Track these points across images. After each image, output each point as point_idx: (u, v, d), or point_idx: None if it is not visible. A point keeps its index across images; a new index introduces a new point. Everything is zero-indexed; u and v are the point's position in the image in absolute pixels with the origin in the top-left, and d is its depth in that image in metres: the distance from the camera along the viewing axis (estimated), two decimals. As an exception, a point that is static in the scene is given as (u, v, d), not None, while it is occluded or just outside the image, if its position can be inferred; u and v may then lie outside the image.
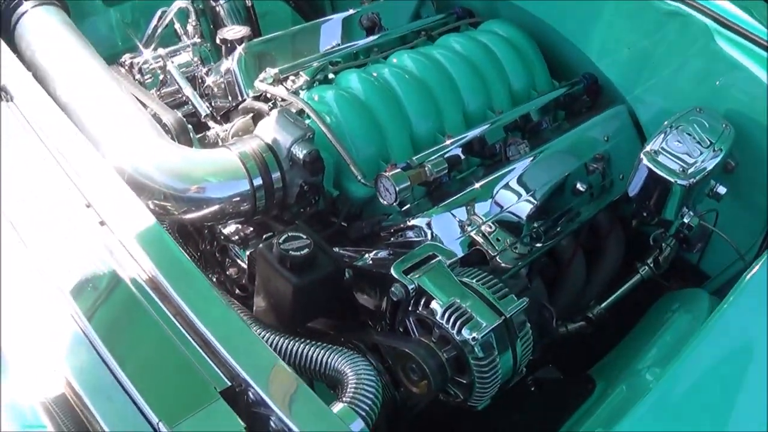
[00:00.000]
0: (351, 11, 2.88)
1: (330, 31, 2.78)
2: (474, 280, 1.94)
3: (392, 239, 2.20)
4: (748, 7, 2.39)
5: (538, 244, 2.33)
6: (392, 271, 1.94)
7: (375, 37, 2.73)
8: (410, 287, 1.91)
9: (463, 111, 2.49)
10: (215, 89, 2.60)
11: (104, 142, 2.15)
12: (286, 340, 1.90)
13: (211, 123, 2.49)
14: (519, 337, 1.91)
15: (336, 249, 2.17)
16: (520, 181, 2.35)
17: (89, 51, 2.43)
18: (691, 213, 2.26)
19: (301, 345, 1.88)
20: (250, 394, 1.48)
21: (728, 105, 2.37)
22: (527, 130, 2.55)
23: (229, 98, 2.55)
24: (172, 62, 2.62)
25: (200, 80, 2.67)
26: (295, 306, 1.98)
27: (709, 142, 2.24)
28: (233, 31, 2.63)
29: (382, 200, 2.17)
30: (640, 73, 2.55)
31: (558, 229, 2.40)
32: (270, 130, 2.21)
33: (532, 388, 2.44)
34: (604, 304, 2.48)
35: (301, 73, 2.42)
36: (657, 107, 2.52)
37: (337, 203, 2.31)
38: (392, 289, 1.93)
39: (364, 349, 2.02)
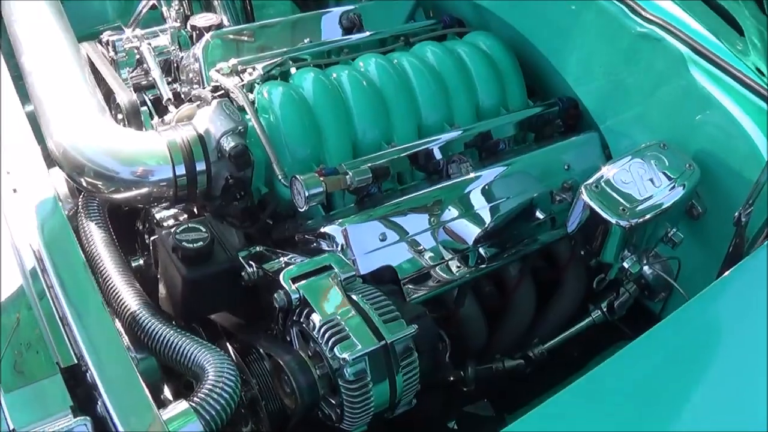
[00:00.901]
0: (340, 9, 2.81)
1: (310, 28, 2.72)
2: (364, 299, 1.87)
3: (306, 245, 2.13)
4: (722, 31, 2.20)
5: (482, 265, 2.23)
6: (281, 278, 1.89)
7: (349, 37, 2.65)
8: (294, 296, 1.85)
9: (419, 123, 2.39)
10: (185, 75, 2.57)
11: (48, 114, 2.17)
12: (162, 327, 1.89)
13: (171, 108, 2.47)
14: (401, 367, 1.82)
15: (258, 248, 2.12)
16: (467, 199, 2.25)
17: (62, 25, 2.44)
18: (633, 258, 2.10)
19: (174, 335, 1.87)
20: (88, 376, 1.53)
21: (701, 144, 2.20)
22: (483, 149, 2.43)
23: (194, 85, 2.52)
24: (149, 44, 2.60)
25: (176, 65, 2.64)
26: (186, 297, 1.98)
27: (666, 181, 2.08)
28: (205, 18, 2.62)
29: (295, 203, 2.10)
30: (614, 101, 2.40)
31: (505, 255, 2.29)
32: (205, 120, 2.18)
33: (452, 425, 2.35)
34: (547, 344, 2.37)
35: (257, 66, 2.37)
36: (630, 140, 2.35)
37: (265, 201, 2.25)
38: (275, 295, 1.88)
39: (263, 354, 1.96)
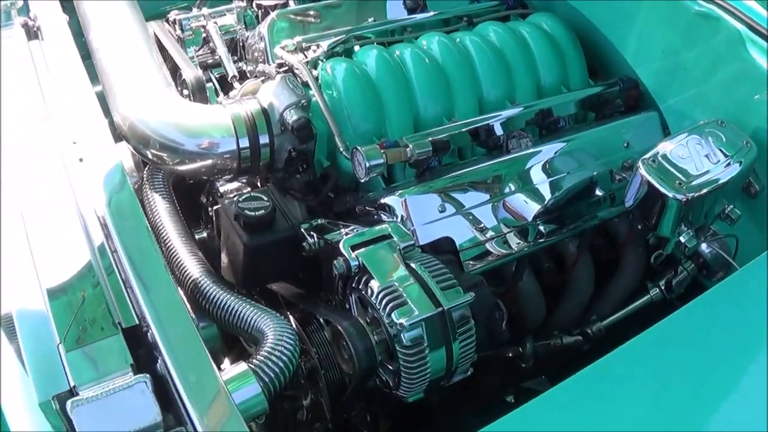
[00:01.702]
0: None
1: (376, 8, 2.75)
2: (422, 267, 1.89)
3: (367, 216, 2.17)
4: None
5: (540, 240, 2.25)
6: (340, 245, 1.92)
7: (413, 17, 2.68)
8: (353, 264, 1.89)
9: (480, 99, 2.41)
10: (251, 54, 2.62)
11: (115, 89, 2.25)
12: (223, 294, 1.92)
13: (236, 85, 2.52)
14: (458, 334, 1.84)
15: (320, 220, 2.16)
16: (526, 174, 2.27)
17: (129, 3, 2.51)
18: (690, 233, 2.10)
19: (234, 301, 1.89)
20: (149, 335, 1.54)
21: (759, 122, 2.19)
22: (543, 126, 2.44)
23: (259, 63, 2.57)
24: (215, 23, 2.66)
25: (241, 44, 2.70)
26: (246, 265, 2.01)
27: (722, 157, 2.08)
28: (270, -4, 2.66)
29: (356, 174, 2.14)
30: (673, 81, 2.39)
31: (564, 231, 2.30)
32: (269, 94, 2.22)
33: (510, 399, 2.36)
34: (605, 322, 2.37)
35: (321, 43, 2.41)
36: (690, 120, 2.34)
37: (327, 174, 2.29)
38: (335, 262, 1.91)
39: (322, 323, 2.00)
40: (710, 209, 2.13)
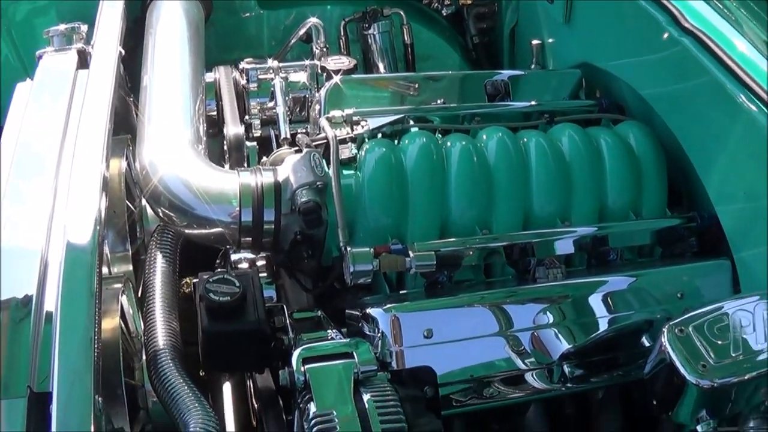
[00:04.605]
0: (508, 72, 2.60)
1: (474, 87, 2.54)
2: (373, 400, 1.66)
3: (352, 322, 1.96)
4: None
5: (565, 386, 1.98)
6: (293, 354, 1.73)
7: (490, 105, 2.45)
8: (298, 378, 1.69)
9: (528, 213, 2.14)
10: (311, 117, 2.47)
11: (143, 135, 2.20)
12: (170, 374, 1.82)
13: (283, 149, 2.37)
14: (390, 490, 1.62)
15: (318, 313, 2.02)
16: (555, 308, 1.98)
17: (193, 47, 2.45)
18: (712, 423, 1.74)
19: (177, 384, 1.79)
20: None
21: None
22: (594, 256, 2.14)
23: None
24: (284, 78, 2.52)
25: (309, 103, 2.55)
26: (204, 349, 1.89)
27: (776, 337, 1.72)
28: (337, 60, 2.49)
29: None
30: (752, 230, 2.01)
31: (592, 379, 2.02)
32: (288, 168, 2.06)
33: None
34: None
35: (368, 120, 2.22)
36: (761, 281, 1.97)
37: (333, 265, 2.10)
38: (280, 371, 1.74)
39: None
40: (750, 397, 1.76)
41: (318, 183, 2.01)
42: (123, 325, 1.96)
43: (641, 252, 2.23)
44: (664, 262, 2.17)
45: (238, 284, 1.85)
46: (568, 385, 1.98)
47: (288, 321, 1.93)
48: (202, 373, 2.04)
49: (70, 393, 1.47)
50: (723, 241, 2.14)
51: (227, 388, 2.24)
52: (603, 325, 1.99)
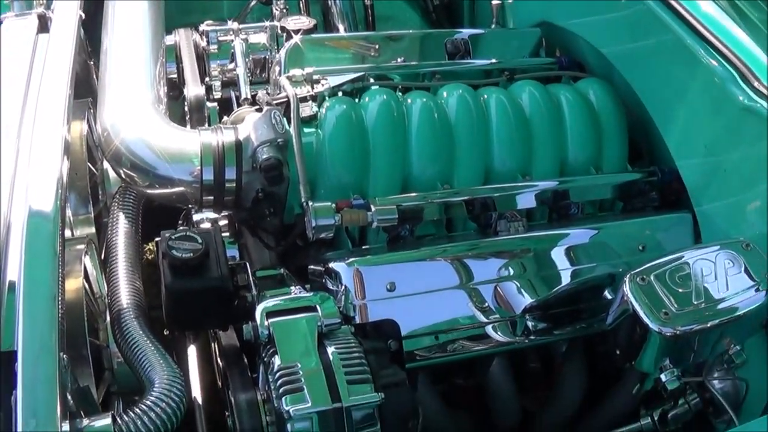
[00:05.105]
0: (469, 31, 2.60)
1: (432, 47, 2.54)
2: (337, 353, 1.67)
3: (315, 278, 1.97)
4: None
5: (528, 338, 2.00)
6: (257, 308, 1.74)
7: (454, 62, 2.45)
8: (262, 332, 1.70)
9: (489, 168, 2.14)
10: (272, 77, 2.46)
11: (103, 98, 2.18)
12: (135, 332, 1.83)
13: (244, 108, 2.36)
14: (355, 437, 1.63)
15: (281, 271, 2.04)
16: (515, 261, 2.00)
17: (153, 11, 2.44)
18: (675, 371, 1.77)
19: (142, 342, 1.80)
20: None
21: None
22: (555, 210, 2.15)
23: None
24: (244, 40, 2.50)
25: (269, 64, 2.53)
26: (168, 307, 1.89)
27: (733, 289, 1.73)
28: (297, 21, 2.48)
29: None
30: (711, 183, 2.03)
31: (555, 332, 2.03)
32: (249, 126, 2.05)
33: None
34: None
35: (327, 78, 2.20)
36: (722, 233, 2.00)
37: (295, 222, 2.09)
38: (244, 326, 1.75)
39: None
40: (714, 346, 1.79)
41: (279, 140, 1.99)
42: (87, 286, 1.96)
43: (602, 206, 2.25)
44: (626, 216, 2.18)
45: (200, 241, 1.84)
46: (531, 337, 2.00)
47: (251, 279, 1.93)
48: (166, 332, 2.03)
49: (35, 351, 1.47)
50: (684, 195, 2.16)
51: (192, 350, 2.25)
52: (565, 278, 2.01)
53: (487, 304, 1.95)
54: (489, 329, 1.96)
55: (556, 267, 2.01)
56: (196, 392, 2.26)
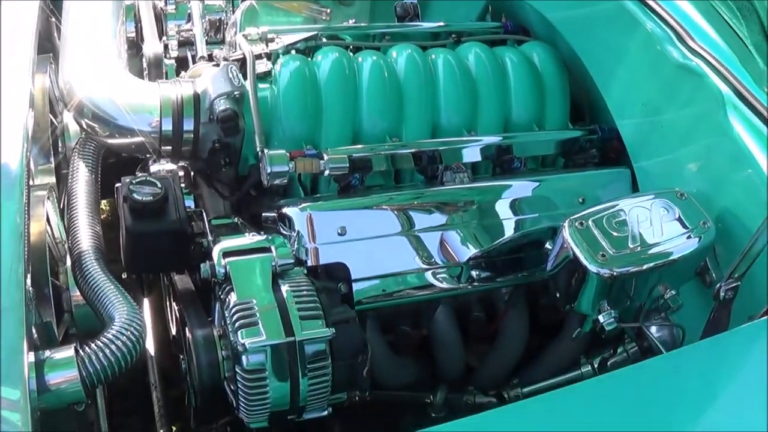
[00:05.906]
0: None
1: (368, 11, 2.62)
2: (290, 291, 1.76)
3: (268, 224, 2.04)
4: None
5: (472, 285, 2.08)
6: (214, 249, 1.82)
7: (400, 24, 2.53)
8: (219, 270, 1.79)
9: (436, 124, 2.23)
10: (228, 37, 2.52)
11: (65, 53, 2.23)
12: (96, 272, 1.86)
13: (201, 64, 2.42)
14: (308, 370, 1.72)
15: (235, 219, 2.10)
16: (461, 211, 2.09)
17: None
18: (612, 313, 1.86)
19: (101, 281, 1.84)
20: None
21: (728, 203, 1.92)
22: (498, 164, 2.24)
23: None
24: (201, 1, 2.57)
25: (224, 26, 2.60)
26: (128, 250, 1.95)
27: (667, 235, 1.83)
28: (252, -18, 2.55)
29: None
30: (649, 140, 2.14)
31: (498, 279, 2.12)
32: (206, 80, 2.12)
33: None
34: (526, 388, 2.18)
35: (281, 37, 2.28)
36: (660, 186, 2.08)
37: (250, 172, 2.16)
38: (201, 265, 1.82)
39: None
40: (651, 290, 1.88)
41: (235, 93, 2.07)
42: (49, 230, 2.01)
43: (544, 163, 2.34)
44: (567, 171, 2.28)
45: (160, 186, 1.91)
46: (475, 284, 2.08)
47: (207, 226, 2.00)
48: (124, 276, 2.09)
49: (5, 282, 1.51)
50: (624, 153, 2.26)
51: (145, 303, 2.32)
52: (508, 228, 2.10)
53: (432, 252, 2.03)
54: (434, 275, 2.04)
55: (498, 217, 2.10)
56: (149, 346, 2.34)
